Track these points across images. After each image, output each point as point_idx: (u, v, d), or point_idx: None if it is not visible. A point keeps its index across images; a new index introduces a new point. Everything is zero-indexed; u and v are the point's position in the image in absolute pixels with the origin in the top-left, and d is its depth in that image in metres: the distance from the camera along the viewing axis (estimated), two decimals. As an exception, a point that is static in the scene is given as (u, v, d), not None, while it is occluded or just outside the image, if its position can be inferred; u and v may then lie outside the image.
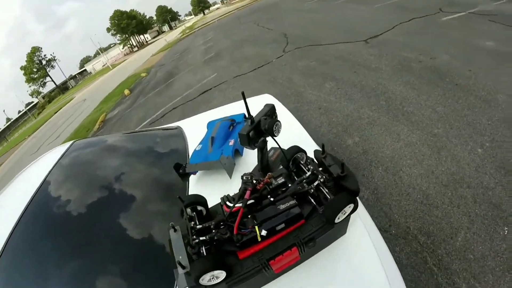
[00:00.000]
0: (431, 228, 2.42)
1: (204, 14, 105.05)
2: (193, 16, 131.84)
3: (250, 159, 1.64)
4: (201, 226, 0.90)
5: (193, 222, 0.92)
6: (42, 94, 76.55)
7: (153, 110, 9.02)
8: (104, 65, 71.48)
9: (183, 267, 0.81)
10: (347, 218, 1.00)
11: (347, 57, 6.33)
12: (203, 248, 0.85)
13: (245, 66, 8.82)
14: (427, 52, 5.21)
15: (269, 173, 1.03)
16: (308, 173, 1.00)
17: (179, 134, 2.15)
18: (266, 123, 0.99)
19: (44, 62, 72.14)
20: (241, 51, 11.38)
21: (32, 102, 78.96)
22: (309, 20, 11.48)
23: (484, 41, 4.88)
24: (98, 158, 2.00)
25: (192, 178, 1.66)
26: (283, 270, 0.97)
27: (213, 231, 0.89)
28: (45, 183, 1.70)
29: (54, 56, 74.94)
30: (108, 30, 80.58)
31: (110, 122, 11.21)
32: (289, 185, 1.02)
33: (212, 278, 0.82)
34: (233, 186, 1.43)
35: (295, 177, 1.04)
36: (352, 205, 0.91)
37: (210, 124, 1.99)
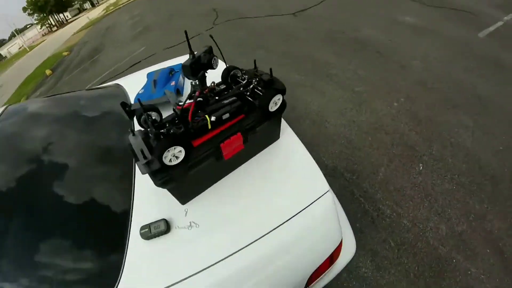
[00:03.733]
0: (355, 166, 2.76)
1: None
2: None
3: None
4: (157, 124, 1.01)
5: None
6: None
7: (80, 87, 8.42)
8: (20, 48, 64.46)
9: (145, 157, 0.94)
10: (278, 121, 1.24)
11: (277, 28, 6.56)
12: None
13: (174, 38, 8.51)
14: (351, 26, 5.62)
15: (213, 81, 1.18)
16: (245, 81, 1.17)
17: (120, 91, 2.09)
18: (206, 58, 1.13)
19: None
20: (170, 24, 10.98)
21: None
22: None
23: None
24: (35, 122, 1.82)
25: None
26: (232, 157, 1.14)
27: (167, 125, 1.00)
28: None
29: None
30: (25, 9, 71.32)
31: (31, 106, 10.24)
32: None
33: (173, 158, 0.95)
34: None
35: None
36: (280, 96, 1.11)
37: (150, 74, 2.03)
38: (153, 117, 1.06)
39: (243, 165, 1.26)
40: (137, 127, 1.47)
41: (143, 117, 1.05)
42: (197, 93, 1.07)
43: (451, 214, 2.27)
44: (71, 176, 1.35)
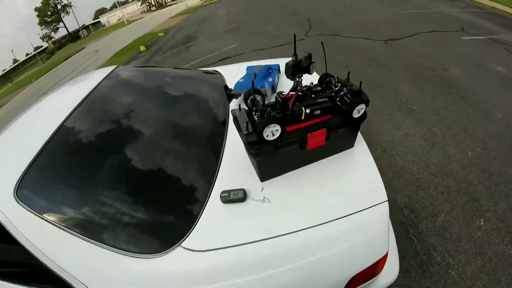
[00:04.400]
0: (415, 205, 2.73)
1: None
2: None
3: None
4: (262, 105, 1.23)
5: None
6: (53, 39, 74.09)
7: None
8: (119, 20, 68.79)
9: (247, 129, 1.20)
10: (356, 129, 1.41)
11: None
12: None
13: (265, 42, 8.92)
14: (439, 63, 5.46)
15: (312, 81, 1.39)
16: (337, 88, 1.34)
17: (219, 77, 2.38)
18: (306, 62, 1.31)
19: (59, 6, 69.79)
20: (265, 27, 11.28)
21: (42, 46, 75.64)
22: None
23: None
24: (142, 85, 2.14)
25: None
26: (313, 150, 1.31)
27: (269, 108, 1.22)
28: (87, 99, 1.80)
29: (70, 2, 72.54)
30: None
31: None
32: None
33: (271, 133, 1.15)
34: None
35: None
36: (364, 106, 1.26)
37: (250, 68, 2.33)
38: (259, 99, 1.31)
39: (318, 162, 1.42)
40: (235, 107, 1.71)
41: (251, 97, 1.31)
42: (299, 88, 1.29)
43: (502, 279, 2.15)
44: (172, 138, 1.65)
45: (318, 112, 1.25)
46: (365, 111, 1.30)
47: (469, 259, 2.28)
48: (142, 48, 14.45)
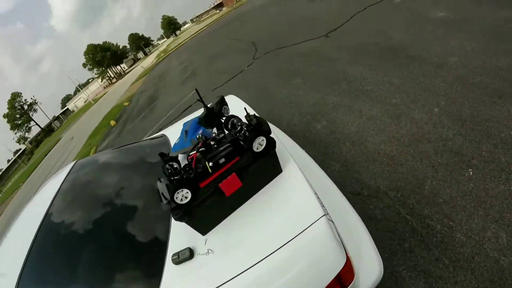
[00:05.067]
0: (398, 183, 2.65)
1: (176, 35, 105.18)
2: (165, 39, 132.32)
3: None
4: (175, 172, 1.28)
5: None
6: (28, 139, 75.72)
7: (141, 134, 9.22)
8: (85, 101, 71.01)
9: (166, 198, 1.25)
10: (274, 157, 1.42)
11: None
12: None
13: (220, 79, 9.19)
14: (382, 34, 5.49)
15: (214, 132, 1.45)
16: (238, 128, 1.36)
17: (165, 140, 2.49)
18: (218, 108, 1.36)
19: (26, 106, 71.75)
20: (215, 65, 11.79)
21: (20, 149, 77.21)
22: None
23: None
24: (99, 174, 2.29)
25: None
26: (234, 194, 1.33)
27: (182, 172, 1.26)
28: (55, 200, 1.98)
29: (35, 100, 74.86)
30: (84, 65, 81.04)
31: (101, 155, 11.27)
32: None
33: (183, 198, 1.21)
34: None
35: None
36: (263, 138, 1.29)
37: (184, 124, 2.32)
38: (175, 166, 1.32)
39: (252, 198, 1.44)
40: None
41: (164, 167, 1.32)
42: (199, 144, 1.32)
43: (511, 219, 2.06)
44: (121, 217, 1.70)
45: (222, 160, 1.29)
46: (271, 139, 1.34)
47: (471, 214, 2.20)
48: (112, 123, 14.97)
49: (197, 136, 1.36)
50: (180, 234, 1.47)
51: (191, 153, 1.31)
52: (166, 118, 9.13)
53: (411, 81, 3.82)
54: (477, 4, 4.57)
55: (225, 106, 1.38)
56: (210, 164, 1.25)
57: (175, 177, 1.23)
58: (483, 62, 3.45)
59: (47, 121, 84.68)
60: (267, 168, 1.43)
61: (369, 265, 1.44)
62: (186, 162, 1.32)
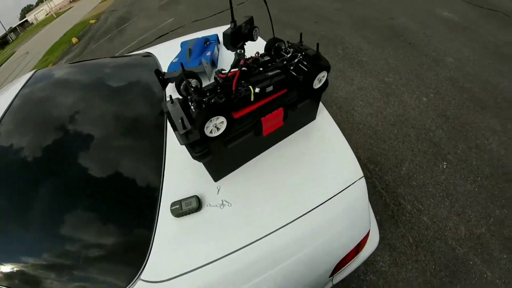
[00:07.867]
0: (378, 158, 2.73)
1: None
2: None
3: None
4: (198, 93, 0.96)
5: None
6: None
7: (106, 56, 8.47)
8: (47, 14, 64.27)
9: (184, 127, 0.91)
10: (317, 100, 1.21)
11: None
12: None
13: (203, 11, 8.48)
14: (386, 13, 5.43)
15: (257, 51, 1.15)
16: (289, 55, 1.12)
17: (151, 60, 2.02)
18: (247, 28, 1.06)
19: None
20: None
21: None
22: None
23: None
24: (63, 88, 1.77)
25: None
26: (270, 134, 1.11)
27: (209, 94, 0.96)
28: (6, 114, 1.52)
29: None
30: None
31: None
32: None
33: (215, 128, 0.90)
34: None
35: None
36: (325, 73, 1.06)
37: (184, 43, 2.00)
38: (193, 85, 1.01)
39: (278, 145, 1.23)
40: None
41: (183, 83, 1.03)
42: (242, 61, 1.03)
43: (471, 216, 2.23)
44: (98, 147, 1.31)
45: (270, 88, 1.03)
46: (326, 79, 1.10)
47: (438, 203, 2.35)
48: (74, 40, 13.43)
49: (237, 52, 1.05)
50: (179, 177, 1.18)
51: (226, 72, 1.01)
52: (137, 42, 8.33)
53: (406, 66, 3.83)
54: (484, 18, 4.59)
55: (256, 28, 1.09)
56: (257, 90, 0.97)
57: (204, 99, 0.92)
58: (475, 72, 3.53)
59: (2, 32, 76.56)
60: (309, 110, 1.22)
61: (371, 233, 1.29)
62: (212, 82, 1.05)
